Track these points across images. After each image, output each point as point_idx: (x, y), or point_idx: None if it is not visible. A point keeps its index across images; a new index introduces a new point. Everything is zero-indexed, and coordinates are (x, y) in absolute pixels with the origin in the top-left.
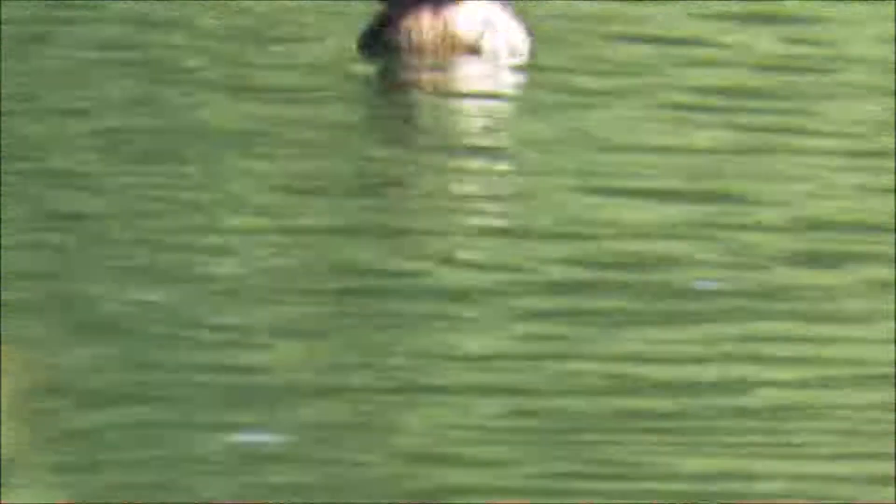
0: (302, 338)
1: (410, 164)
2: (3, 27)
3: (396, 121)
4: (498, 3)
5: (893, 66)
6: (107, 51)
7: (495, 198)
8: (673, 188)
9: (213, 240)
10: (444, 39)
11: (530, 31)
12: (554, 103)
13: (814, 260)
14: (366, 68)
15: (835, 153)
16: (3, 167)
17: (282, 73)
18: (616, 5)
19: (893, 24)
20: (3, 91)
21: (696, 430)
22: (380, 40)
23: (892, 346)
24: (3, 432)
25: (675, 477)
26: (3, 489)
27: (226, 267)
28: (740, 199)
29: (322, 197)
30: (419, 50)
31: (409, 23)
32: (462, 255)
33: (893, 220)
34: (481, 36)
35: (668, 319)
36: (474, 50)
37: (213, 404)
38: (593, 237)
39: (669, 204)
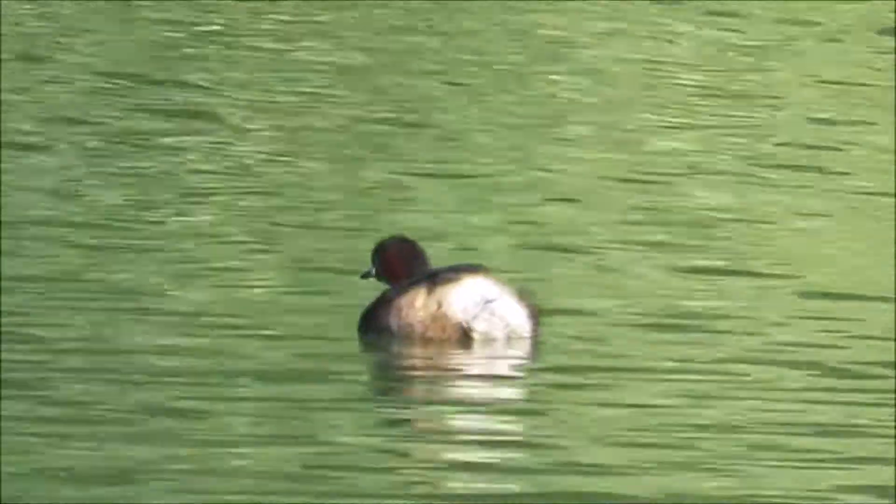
0: None
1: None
2: None
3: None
4: (498, 283)
5: None
6: None
7: None
8: None
9: None
10: (435, 321)
11: (534, 313)
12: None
13: None
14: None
15: None
16: None
17: None
18: None
19: None
20: None
21: None
22: (374, 322)
23: None
24: None
25: None
26: None
27: None
28: None
29: None
30: (409, 332)
31: (402, 303)
32: None
33: None
34: (474, 318)
35: None
36: (466, 333)
37: None
38: None
39: None
